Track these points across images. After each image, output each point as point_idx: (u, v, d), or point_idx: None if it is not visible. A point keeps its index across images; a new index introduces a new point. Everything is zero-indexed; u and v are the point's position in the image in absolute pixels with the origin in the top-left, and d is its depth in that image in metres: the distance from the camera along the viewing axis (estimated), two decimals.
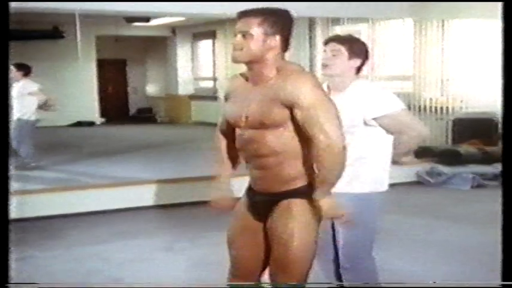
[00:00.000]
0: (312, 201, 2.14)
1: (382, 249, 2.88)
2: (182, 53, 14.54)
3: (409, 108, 8.40)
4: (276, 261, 2.18)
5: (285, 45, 2.15)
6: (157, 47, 15.28)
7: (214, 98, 12.70)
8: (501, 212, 1.86)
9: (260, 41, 2.10)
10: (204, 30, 13.37)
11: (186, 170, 6.85)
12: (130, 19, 11.61)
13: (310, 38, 9.70)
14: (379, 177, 2.67)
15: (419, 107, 8.49)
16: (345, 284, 2.74)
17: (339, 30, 8.83)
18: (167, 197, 5.91)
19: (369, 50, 2.74)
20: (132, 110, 16.11)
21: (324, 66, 2.65)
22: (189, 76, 14.61)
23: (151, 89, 16.23)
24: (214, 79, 13.61)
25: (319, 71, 8.69)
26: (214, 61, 13.59)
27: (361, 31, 8.64)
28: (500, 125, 7.40)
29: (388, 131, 2.62)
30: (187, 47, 14.56)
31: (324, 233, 2.63)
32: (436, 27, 8.32)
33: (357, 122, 2.56)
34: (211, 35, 13.30)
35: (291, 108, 2.07)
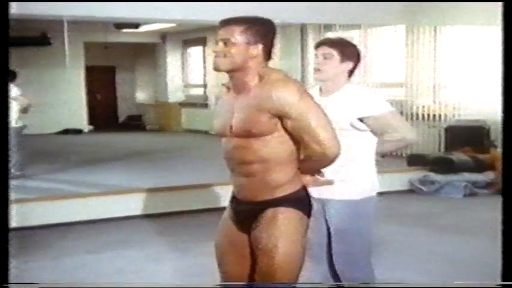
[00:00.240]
0: (298, 209, 2.11)
1: (374, 259, 2.82)
2: (172, 59, 14.49)
3: (402, 115, 8.39)
4: (261, 272, 2.12)
5: (268, 55, 2.14)
6: (147, 53, 15.21)
7: (205, 105, 12.65)
8: (501, 211, 1.84)
9: (242, 49, 2.08)
10: (194, 36, 13.33)
11: (176, 178, 6.81)
12: (120, 25, 11.55)
13: (302, 44, 9.69)
14: (370, 180, 2.66)
15: (412, 114, 8.49)
16: (343, 284, 2.70)
17: (331, 36, 8.80)
18: (157, 206, 5.85)
19: (361, 52, 2.72)
20: (121, 118, 16.01)
21: (316, 70, 2.63)
22: (179, 83, 14.55)
23: (140, 96, 16.14)
24: (205, 86, 13.56)
25: (311, 78, 8.63)
26: (204, 68, 13.55)
27: (353, 38, 8.62)
28: (491, 132, 7.42)
29: (373, 132, 2.61)
30: (178, 53, 14.51)
31: (318, 236, 2.64)
32: (429, 34, 8.32)
33: (346, 124, 2.56)
34: (202, 41, 13.26)
35: (280, 117, 2.05)
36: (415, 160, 7.47)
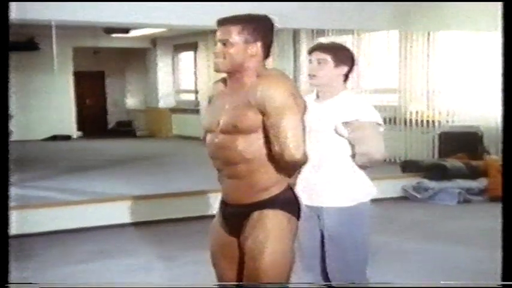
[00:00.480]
0: (285, 211, 2.12)
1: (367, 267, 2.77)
2: (163, 65, 14.41)
3: (395, 121, 8.38)
4: (249, 275, 2.11)
5: (267, 52, 2.16)
6: (137, 58, 15.12)
7: (196, 111, 12.57)
8: (501, 209, 1.83)
9: (241, 49, 2.10)
10: (185, 41, 13.27)
11: (166, 185, 6.73)
12: (109, 30, 11.47)
13: (295, 49, 9.65)
14: (363, 187, 2.64)
15: (405, 120, 8.43)
16: (333, 284, 2.67)
17: (324, 41, 8.74)
18: (147, 213, 5.77)
19: (354, 56, 2.73)
20: (111, 124, 15.87)
21: (311, 76, 2.63)
22: (170, 89, 14.48)
23: (131, 101, 16.04)
24: (196, 92, 13.49)
25: (303, 83, 8.54)
26: (196, 73, 13.49)
27: (346, 43, 8.57)
28: (484, 139, 7.40)
29: (348, 140, 2.56)
30: (168, 58, 14.43)
31: (311, 243, 2.62)
32: (422, 40, 8.29)
33: (339, 129, 2.57)
34: (193, 46, 13.20)
35: (263, 113, 2.06)
36: (409, 166, 7.44)
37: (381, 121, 2.62)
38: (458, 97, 8.05)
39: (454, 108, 8.18)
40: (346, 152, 2.56)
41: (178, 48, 14.05)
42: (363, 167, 2.59)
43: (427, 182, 6.81)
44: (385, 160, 2.82)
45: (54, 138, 12.97)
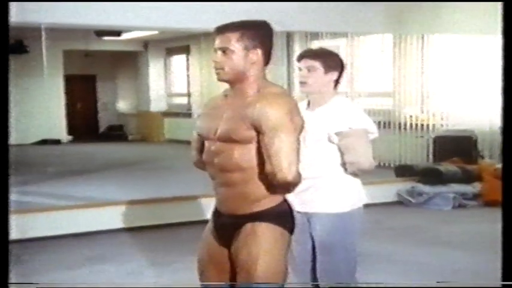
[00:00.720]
0: (278, 225, 2.09)
1: (360, 273, 2.77)
2: (155, 68, 14.38)
3: (389, 125, 8.35)
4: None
5: (267, 59, 2.13)
6: (129, 62, 15.08)
7: (188, 114, 12.54)
8: (501, 209, 1.81)
9: (241, 56, 2.06)
10: (177, 45, 13.26)
11: (158, 190, 6.69)
12: (101, 33, 11.39)
13: (288, 52, 9.63)
14: (355, 193, 2.65)
15: (400, 124, 8.40)
16: (329, 284, 2.66)
17: (318, 45, 8.71)
18: (138, 219, 5.71)
19: (344, 61, 2.76)
20: (102, 128, 15.82)
21: (302, 83, 2.65)
22: (161, 92, 14.45)
23: (122, 105, 15.97)
24: (188, 95, 13.46)
25: (297, 86, 8.46)
26: (188, 77, 13.49)
27: (340, 46, 8.55)
28: (479, 143, 7.38)
29: (338, 147, 2.57)
30: (160, 62, 14.39)
31: (302, 250, 2.63)
32: (416, 43, 8.27)
33: (331, 137, 2.59)
34: (185, 50, 13.18)
35: (256, 129, 2.03)
36: (403, 171, 7.41)
37: (372, 128, 2.62)
38: (453, 101, 8.05)
39: (449, 112, 8.17)
40: (337, 159, 2.58)
41: (171, 51, 14.03)
42: (353, 175, 2.61)
43: (421, 187, 6.77)
44: (379, 164, 2.80)
45: (44, 142, 12.87)
